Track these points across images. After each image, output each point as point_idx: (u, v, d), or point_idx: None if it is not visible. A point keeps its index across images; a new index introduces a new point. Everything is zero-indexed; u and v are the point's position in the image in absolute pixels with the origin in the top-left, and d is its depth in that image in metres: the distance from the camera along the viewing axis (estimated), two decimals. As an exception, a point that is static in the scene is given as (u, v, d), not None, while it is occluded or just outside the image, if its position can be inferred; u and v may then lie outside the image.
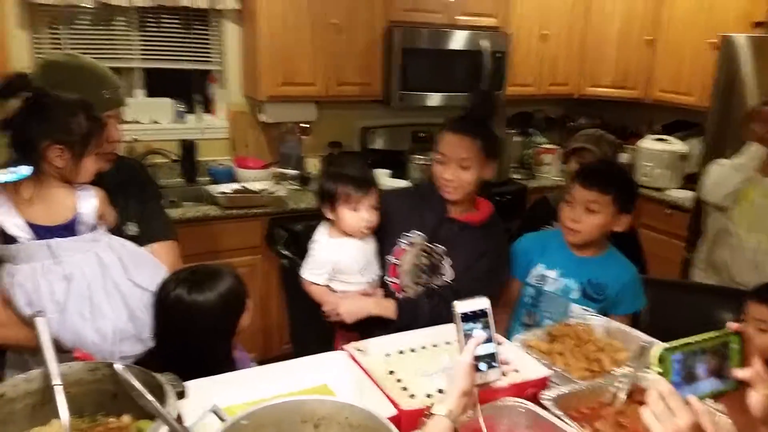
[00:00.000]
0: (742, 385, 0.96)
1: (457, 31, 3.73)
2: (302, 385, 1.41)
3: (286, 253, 2.25)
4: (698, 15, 3.82)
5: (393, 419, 1.22)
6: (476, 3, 3.82)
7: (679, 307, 2.11)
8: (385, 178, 3.63)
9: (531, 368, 1.48)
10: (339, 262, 1.87)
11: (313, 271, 1.90)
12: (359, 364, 1.45)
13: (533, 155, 4.35)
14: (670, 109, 4.14)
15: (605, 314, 1.82)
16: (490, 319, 1.23)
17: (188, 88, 3.64)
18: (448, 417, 1.10)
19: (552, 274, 1.99)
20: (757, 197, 2.59)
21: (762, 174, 2.58)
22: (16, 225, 1.42)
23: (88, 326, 1.44)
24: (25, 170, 1.43)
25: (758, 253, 2.57)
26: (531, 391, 1.39)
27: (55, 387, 1.09)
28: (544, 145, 4.38)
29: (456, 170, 1.86)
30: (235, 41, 3.57)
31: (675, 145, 3.93)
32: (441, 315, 1.67)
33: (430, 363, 1.51)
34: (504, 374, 1.39)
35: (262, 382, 1.38)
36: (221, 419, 1.09)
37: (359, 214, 1.84)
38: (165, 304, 1.46)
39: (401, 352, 1.57)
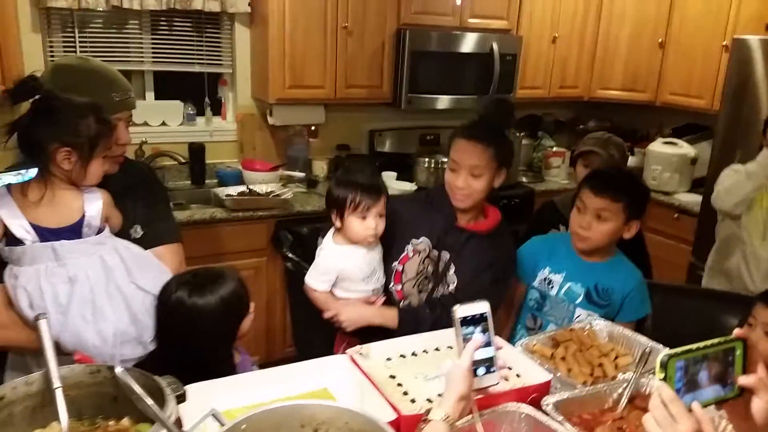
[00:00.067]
0: (745, 392, 0.95)
1: (467, 33, 3.72)
2: (303, 388, 1.41)
3: (291, 255, 2.26)
4: (709, 18, 3.79)
5: (393, 424, 1.22)
6: (486, 6, 3.82)
7: (684, 312, 2.09)
8: (392, 181, 3.64)
9: (533, 373, 1.47)
10: (344, 270, 1.86)
11: (317, 278, 1.88)
12: (360, 368, 1.45)
13: (542, 158, 4.33)
14: (681, 112, 4.11)
15: (610, 320, 1.81)
16: (490, 324, 1.23)
17: (198, 91, 3.66)
18: (446, 422, 1.10)
19: (558, 277, 1.98)
20: None
21: None
22: (21, 227, 1.43)
23: (89, 329, 1.45)
24: (32, 172, 1.44)
25: None
26: (533, 396, 1.38)
27: (55, 390, 1.09)
28: (552, 149, 4.36)
29: (467, 178, 1.84)
30: (245, 44, 3.58)
31: (684, 148, 3.90)
32: (443, 326, 1.66)
33: (431, 367, 1.51)
34: (506, 379, 1.39)
35: (263, 386, 1.38)
36: (220, 423, 1.09)
37: (366, 223, 1.82)
38: (166, 306, 1.47)
39: (402, 356, 1.56)
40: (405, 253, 1.94)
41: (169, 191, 2.69)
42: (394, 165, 3.82)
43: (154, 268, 1.60)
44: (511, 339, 1.94)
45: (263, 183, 3.39)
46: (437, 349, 1.61)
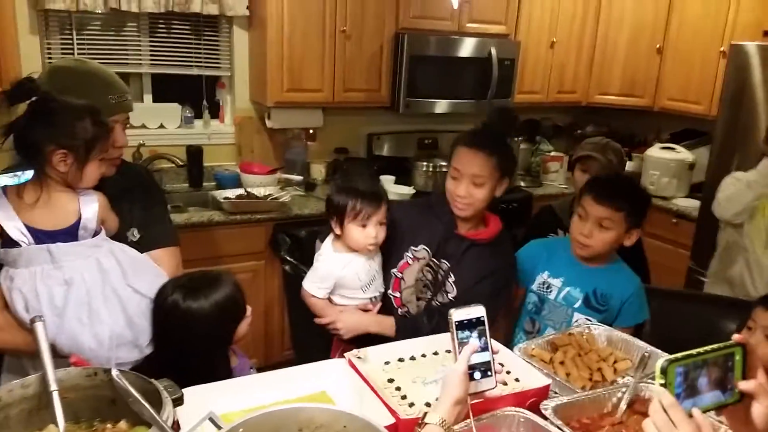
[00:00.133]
0: (745, 398, 0.95)
1: (465, 38, 3.72)
2: (301, 392, 1.40)
3: (289, 258, 2.25)
4: (707, 23, 3.80)
5: (391, 427, 1.22)
6: (485, 10, 3.82)
7: (683, 317, 2.09)
8: (390, 185, 3.64)
9: (532, 378, 1.47)
10: (342, 277, 1.84)
11: (314, 284, 1.86)
12: (358, 372, 1.45)
13: (540, 163, 4.33)
14: (678, 117, 4.11)
15: (607, 325, 1.81)
16: (486, 328, 1.22)
17: (196, 94, 3.66)
18: (441, 426, 1.09)
19: (557, 282, 1.97)
20: None
21: None
22: (17, 229, 1.42)
23: (85, 331, 1.44)
24: (28, 174, 1.44)
25: None
26: (532, 400, 1.37)
27: (52, 393, 1.08)
28: (550, 153, 4.37)
29: (469, 187, 1.81)
30: (243, 47, 3.58)
31: (682, 153, 3.90)
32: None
33: (430, 371, 1.50)
34: (505, 383, 1.38)
35: (261, 389, 1.37)
36: (217, 427, 1.08)
37: (366, 231, 1.80)
38: (162, 309, 1.47)
39: (401, 360, 1.56)
40: (404, 260, 1.92)
41: (166, 194, 2.68)
42: (392, 169, 3.82)
43: (151, 271, 1.59)
44: (509, 342, 1.93)
45: (261, 186, 3.38)
46: (436, 353, 1.60)
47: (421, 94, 3.69)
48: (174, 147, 3.50)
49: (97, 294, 1.46)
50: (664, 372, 0.90)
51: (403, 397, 1.40)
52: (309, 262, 1.95)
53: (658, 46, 4.06)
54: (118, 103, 1.64)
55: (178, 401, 1.11)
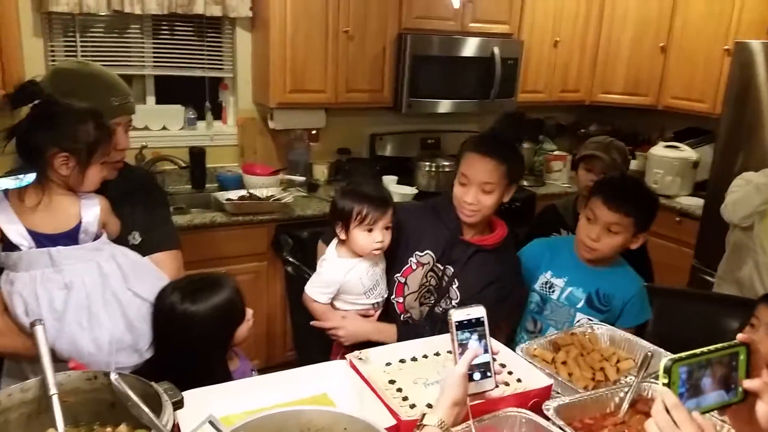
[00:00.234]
0: (749, 397, 0.94)
1: (468, 38, 3.72)
2: (302, 394, 1.40)
3: (291, 260, 2.25)
4: (711, 21, 3.78)
5: (392, 429, 1.22)
6: (488, 10, 3.81)
7: (686, 316, 2.08)
8: (392, 185, 3.63)
9: (534, 378, 1.46)
10: (346, 283, 1.81)
11: (318, 289, 1.84)
12: (360, 374, 1.44)
13: (543, 162, 4.32)
14: (682, 116, 4.10)
15: (610, 324, 1.80)
16: (486, 329, 1.22)
17: (199, 95, 3.66)
18: (440, 427, 1.09)
19: (560, 282, 1.97)
20: None
21: None
22: (18, 232, 1.42)
23: (85, 336, 1.43)
24: (29, 177, 1.44)
25: None
26: (534, 401, 1.37)
27: (51, 397, 1.08)
28: (554, 152, 4.36)
29: (477, 193, 1.78)
30: (246, 48, 3.58)
31: (686, 152, 3.89)
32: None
33: (431, 372, 1.50)
34: (507, 384, 1.38)
35: (262, 391, 1.37)
36: (217, 430, 1.08)
37: (372, 236, 1.76)
38: (162, 312, 1.47)
39: (402, 361, 1.55)
40: (408, 265, 1.90)
41: (169, 195, 2.68)
42: (395, 169, 3.82)
43: (152, 275, 1.59)
44: (510, 341, 1.92)
45: (264, 187, 3.38)
46: (437, 354, 1.59)
47: (424, 94, 3.69)
48: (177, 149, 3.50)
49: (97, 298, 1.46)
50: (668, 371, 0.89)
51: (405, 399, 1.39)
52: (311, 263, 1.94)
53: (661, 44, 4.05)
54: (121, 106, 1.64)
55: (178, 404, 1.10)
